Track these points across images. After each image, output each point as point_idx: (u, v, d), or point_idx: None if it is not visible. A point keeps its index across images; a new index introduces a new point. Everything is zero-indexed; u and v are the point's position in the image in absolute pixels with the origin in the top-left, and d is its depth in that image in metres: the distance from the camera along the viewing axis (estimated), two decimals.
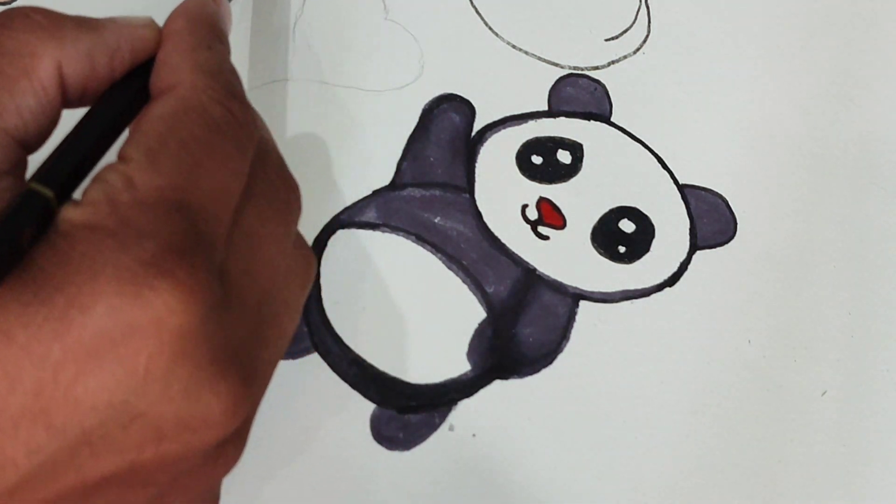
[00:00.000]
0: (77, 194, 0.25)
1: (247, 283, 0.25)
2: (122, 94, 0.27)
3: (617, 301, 0.37)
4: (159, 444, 0.23)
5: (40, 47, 0.26)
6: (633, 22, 0.42)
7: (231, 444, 0.26)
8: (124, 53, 0.27)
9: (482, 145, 0.39)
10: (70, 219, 0.23)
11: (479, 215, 0.38)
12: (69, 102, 0.27)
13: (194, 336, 0.23)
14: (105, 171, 0.24)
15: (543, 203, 0.38)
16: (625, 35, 0.42)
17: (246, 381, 0.24)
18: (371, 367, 0.35)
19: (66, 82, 0.26)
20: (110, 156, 0.26)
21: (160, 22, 0.29)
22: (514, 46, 0.41)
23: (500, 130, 0.40)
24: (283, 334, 0.28)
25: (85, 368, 0.22)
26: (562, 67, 0.41)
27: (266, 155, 0.27)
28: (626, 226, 0.38)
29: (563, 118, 0.40)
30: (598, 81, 0.41)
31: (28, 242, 0.22)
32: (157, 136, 0.25)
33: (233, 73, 0.28)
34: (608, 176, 0.39)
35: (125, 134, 0.27)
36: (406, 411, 0.35)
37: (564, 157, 0.39)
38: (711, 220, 0.39)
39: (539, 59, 0.41)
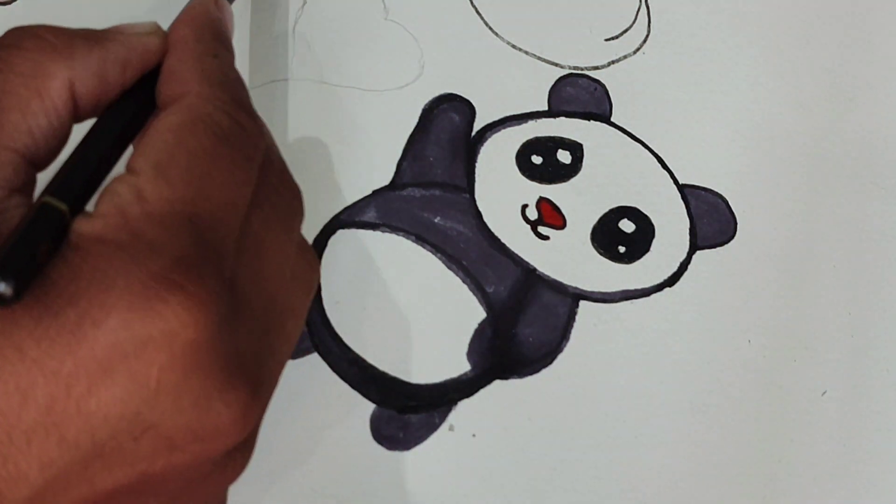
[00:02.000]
0: (88, 205, 0.25)
1: (254, 292, 0.25)
2: (129, 105, 0.27)
3: (617, 301, 0.37)
4: (170, 455, 0.23)
5: (52, 67, 0.26)
6: (633, 22, 0.42)
7: (239, 452, 0.26)
8: (134, 64, 0.27)
9: (482, 145, 0.39)
10: (82, 231, 0.23)
11: (479, 215, 0.38)
12: (80, 118, 0.27)
13: (205, 348, 0.23)
14: (115, 183, 0.24)
15: (543, 203, 0.38)
16: (625, 35, 0.42)
17: (255, 390, 0.24)
18: (371, 367, 0.35)
19: (78, 99, 0.26)
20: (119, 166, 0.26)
21: (164, 24, 0.29)
22: (514, 46, 0.41)
23: (500, 130, 0.40)
24: (289, 340, 0.28)
25: (97, 382, 0.22)
26: (562, 67, 0.41)
27: (270, 162, 0.27)
28: (626, 226, 0.38)
29: (563, 118, 0.40)
30: (598, 81, 0.41)
31: (45, 257, 0.22)
32: (166, 148, 0.25)
33: (238, 81, 0.28)
34: (608, 176, 0.39)
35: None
36: (406, 411, 0.35)
37: (564, 157, 0.39)
38: (711, 220, 0.39)
39: (539, 59, 0.41)
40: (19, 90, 0.25)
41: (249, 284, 0.25)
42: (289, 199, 0.28)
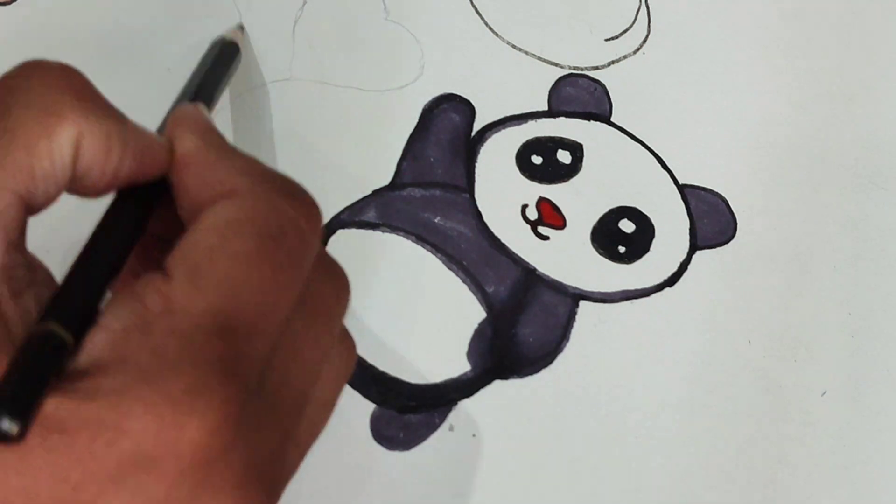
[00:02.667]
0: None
1: (284, 391, 0.24)
2: (126, 220, 0.26)
3: (617, 301, 0.37)
4: None
5: (68, 111, 0.24)
6: (633, 22, 0.42)
7: None
8: (135, 156, 0.25)
9: (482, 145, 0.39)
10: (100, 351, 0.22)
11: (479, 215, 0.38)
12: (73, 183, 0.25)
13: (218, 464, 0.22)
14: (144, 286, 0.23)
15: (543, 203, 0.38)
16: (625, 35, 0.42)
17: (269, 496, 0.24)
18: (371, 367, 0.35)
19: (79, 156, 0.24)
20: None
21: None
22: (514, 46, 0.41)
23: (500, 130, 0.40)
24: (315, 431, 0.27)
25: (105, 491, 0.22)
26: (562, 67, 0.41)
27: (320, 254, 0.26)
28: (626, 226, 0.38)
29: (563, 118, 0.40)
30: (598, 81, 0.41)
31: (49, 385, 0.22)
32: (206, 252, 0.23)
33: (278, 173, 0.26)
34: (608, 176, 0.39)
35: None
36: (406, 411, 0.35)
37: (564, 157, 0.39)
38: (711, 220, 0.39)
39: (539, 59, 0.41)
40: (30, 125, 0.23)
41: (280, 385, 0.24)
42: (335, 290, 0.26)
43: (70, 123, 0.24)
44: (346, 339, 0.28)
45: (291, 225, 0.25)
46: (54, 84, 0.24)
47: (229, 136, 0.38)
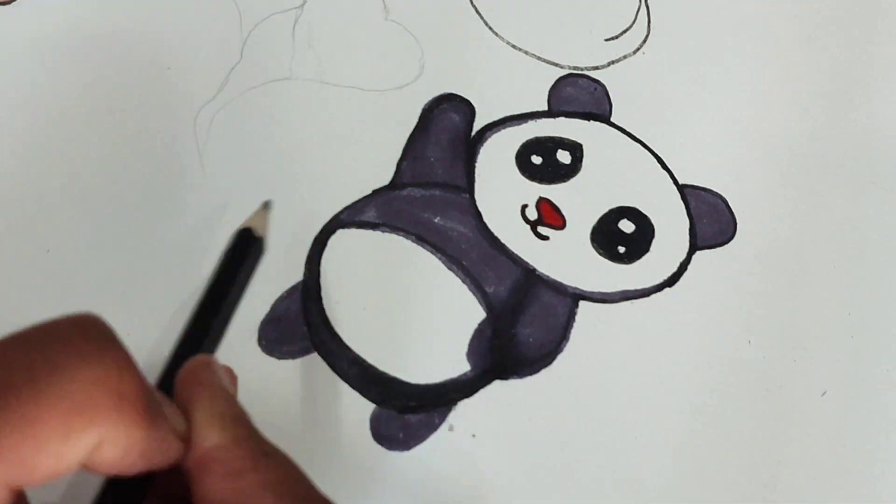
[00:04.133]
0: None
1: None
2: None
3: (617, 301, 0.37)
4: None
5: (100, 416, 0.22)
6: (633, 22, 0.42)
7: None
8: (149, 461, 0.23)
9: (482, 145, 0.39)
10: None
11: (478, 215, 0.38)
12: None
13: None
14: None
15: (543, 203, 0.38)
16: (625, 35, 0.42)
17: None
18: (371, 367, 0.35)
19: (91, 457, 0.22)
20: None
21: None
22: (514, 46, 0.41)
23: (500, 130, 0.40)
24: None
25: None
26: (562, 67, 0.41)
27: None
28: (626, 226, 0.38)
29: (562, 118, 0.40)
30: (597, 81, 0.41)
31: None
32: None
33: (306, 482, 0.25)
34: (608, 176, 0.39)
35: None
36: (406, 411, 0.35)
37: (564, 157, 0.39)
38: (711, 220, 0.39)
39: (539, 59, 0.41)
40: (52, 421, 0.21)
41: None
42: None
43: (95, 429, 0.22)
44: None
45: None
46: (102, 378, 0.22)
47: (230, 138, 0.38)
